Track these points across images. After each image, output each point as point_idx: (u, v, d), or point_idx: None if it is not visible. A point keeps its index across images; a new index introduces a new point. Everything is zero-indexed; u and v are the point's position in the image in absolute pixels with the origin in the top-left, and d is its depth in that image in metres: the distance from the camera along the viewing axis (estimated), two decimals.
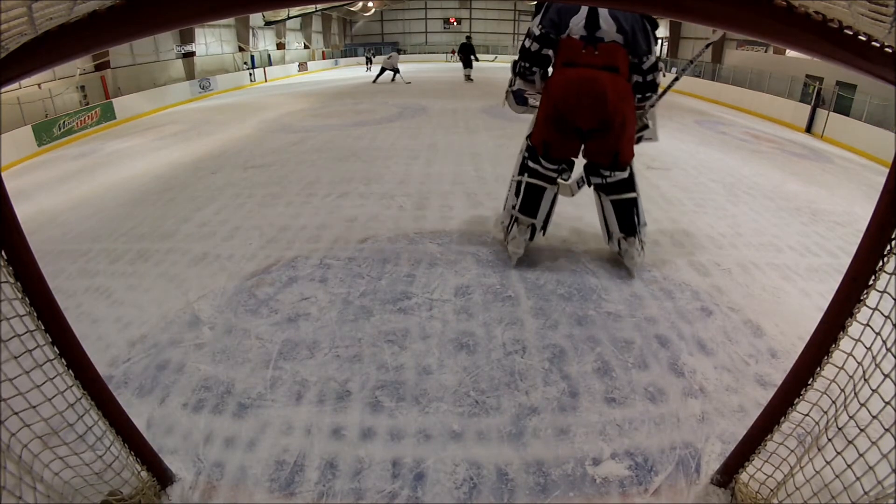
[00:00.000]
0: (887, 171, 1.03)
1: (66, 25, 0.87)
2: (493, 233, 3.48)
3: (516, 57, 2.88)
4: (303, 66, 22.44)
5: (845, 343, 1.15)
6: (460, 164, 5.42)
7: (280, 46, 22.54)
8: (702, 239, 3.47)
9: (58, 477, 1.30)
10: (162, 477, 1.57)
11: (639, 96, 2.73)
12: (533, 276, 2.90)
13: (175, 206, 4.54)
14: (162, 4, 0.89)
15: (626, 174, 2.78)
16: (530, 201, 2.90)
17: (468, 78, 15.04)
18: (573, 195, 2.94)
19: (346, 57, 27.12)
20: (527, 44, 2.77)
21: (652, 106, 2.82)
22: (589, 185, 2.88)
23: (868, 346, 1.09)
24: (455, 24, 31.75)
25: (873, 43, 0.84)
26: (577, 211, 3.96)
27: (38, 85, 10.35)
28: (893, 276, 1.03)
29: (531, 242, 3.04)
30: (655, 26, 2.65)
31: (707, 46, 2.79)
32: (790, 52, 11.26)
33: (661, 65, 2.70)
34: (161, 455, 1.59)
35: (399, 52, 17.37)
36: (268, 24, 21.19)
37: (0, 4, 0.69)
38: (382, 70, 15.64)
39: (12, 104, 9.17)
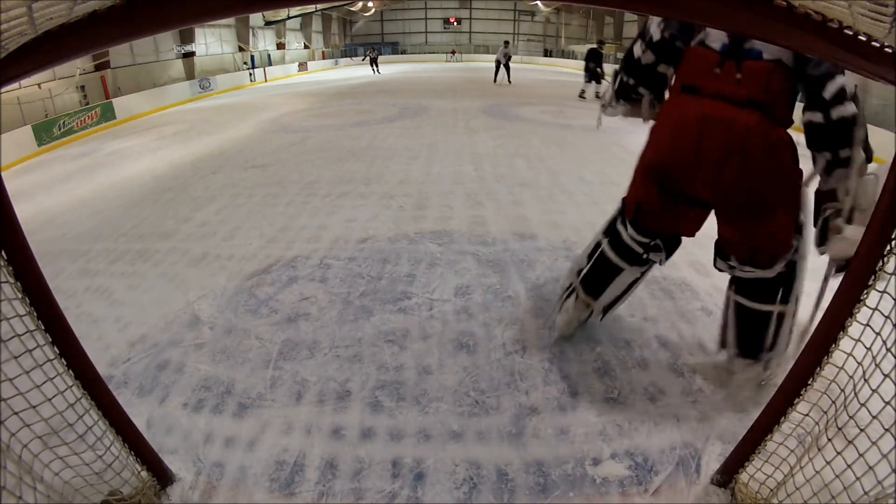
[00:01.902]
0: (887, 170, 1.03)
1: (66, 25, 0.87)
2: (579, 247, 2.71)
3: (618, 67, 1.96)
4: (303, 66, 22.45)
5: (845, 343, 1.15)
6: (460, 164, 5.42)
7: (280, 46, 22.56)
8: (702, 239, 3.45)
9: (58, 477, 1.30)
10: (162, 477, 1.57)
11: (824, 156, 1.55)
12: (533, 276, 2.90)
13: (175, 206, 4.54)
14: (162, 4, 0.89)
15: (769, 274, 1.72)
16: (598, 277, 2.07)
17: (585, 96, 10.78)
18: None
19: (346, 57, 27.12)
20: (636, 51, 1.81)
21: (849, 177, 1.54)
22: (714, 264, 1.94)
23: (868, 346, 1.09)
24: (455, 24, 31.76)
25: (873, 43, 0.84)
26: (578, 209, 3.96)
27: (38, 85, 10.36)
28: (893, 276, 1.03)
29: (582, 323, 2.28)
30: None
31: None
32: None
33: (859, 96, 1.47)
34: (161, 455, 1.59)
35: (506, 43, 14.24)
36: (268, 24, 21.20)
37: (0, 4, 0.69)
38: (498, 65, 14.13)
39: (12, 104, 9.18)
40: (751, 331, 1.85)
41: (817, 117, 1.51)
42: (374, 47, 22.41)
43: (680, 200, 1.81)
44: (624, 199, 2.01)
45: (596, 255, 2.08)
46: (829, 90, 1.45)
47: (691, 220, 1.89)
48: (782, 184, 1.61)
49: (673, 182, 1.75)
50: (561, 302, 2.26)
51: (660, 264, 2.04)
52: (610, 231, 2.05)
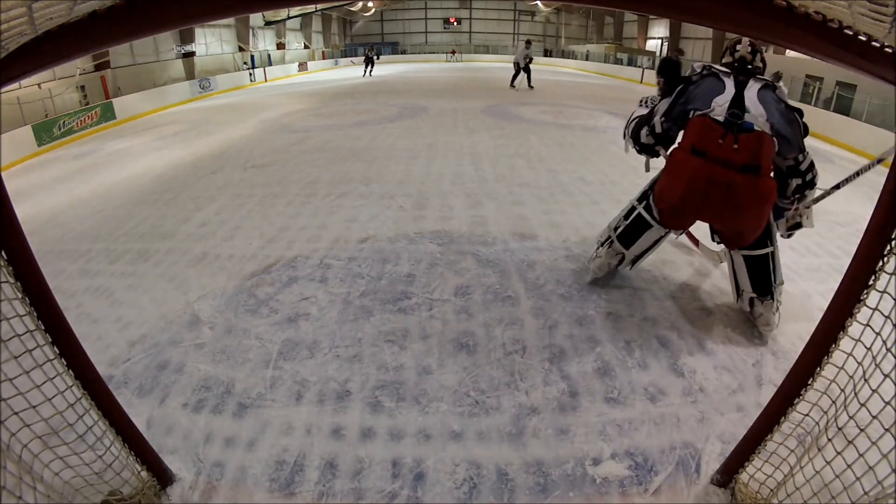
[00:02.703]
0: (887, 171, 1.03)
1: (66, 25, 0.87)
2: (579, 247, 3.17)
3: (632, 117, 2.58)
4: (303, 66, 22.45)
5: (845, 343, 1.15)
6: (460, 164, 5.42)
7: (280, 46, 22.57)
8: (702, 239, 3.46)
9: (58, 477, 1.30)
10: (162, 477, 1.57)
11: (794, 197, 2.29)
12: (533, 275, 2.90)
13: (175, 206, 4.54)
14: (162, 4, 0.89)
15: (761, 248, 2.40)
16: (632, 232, 2.59)
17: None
18: (721, 262, 2.73)
19: (346, 57, 27.12)
20: (643, 138, 2.45)
21: (806, 206, 2.33)
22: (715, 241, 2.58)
23: (868, 346, 1.09)
24: (455, 24, 31.77)
25: (873, 43, 0.84)
26: (578, 209, 3.96)
27: (38, 85, 10.37)
28: (893, 276, 1.03)
29: (612, 269, 2.80)
30: (805, 130, 2.18)
31: (878, 162, 2.15)
32: (790, 52, 11.26)
33: (813, 167, 2.22)
34: (161, 455, 1.59)
35: (528, 43, 13.15)
36: (268, 24, 21.21)
37: (0, 4, 0.69)
38: (517, 67, 13.01)
39: (12, 104, 9.18)
40: (760, 272, 2.38)
41: (798, 181, 2.22)
42: (372, 46, 21.02)
43: (684, 220, 2.47)
44: (653, 185, 2.52)
45: (633, 215, 2.59)
46: (804, 164, 2.18)
47: (721, 253, 2.58)
48: (767, 213, 2.24)
49: (683, 212, 2.33)
50: (596, 249, 2.81)
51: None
52: (645, 197, 2.56)
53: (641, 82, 16.58)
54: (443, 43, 30.89)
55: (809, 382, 1.24)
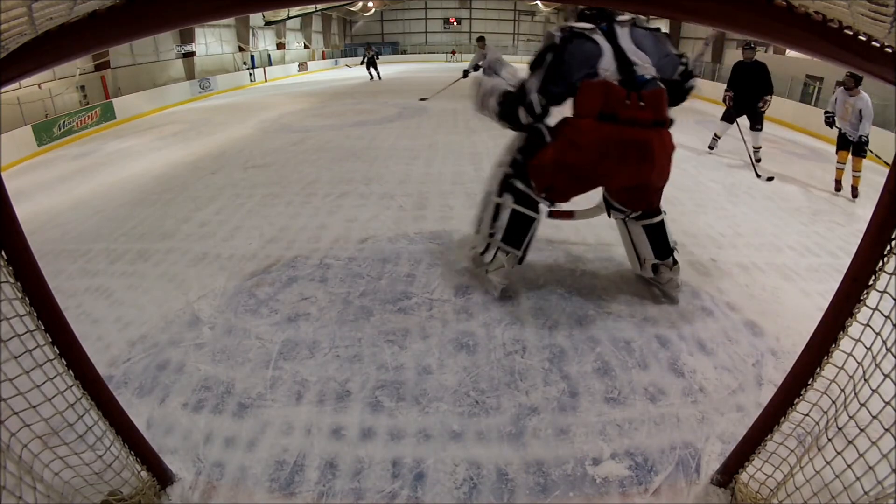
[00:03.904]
0: (887, 171, 1.03)
1: (66, 25, 0.87)
2: (460, 260, 3.02)
3: (486, 88, 2.39)
4: (303, 66, 22.45)
5: (845, 343, 1.15)
6: (460, 164, 5.42)
7: (280, 46, 22.56)
8: (702, 239, 3.47)
9: (58, 477, 1.30)
10: (162, 477, 1.57)
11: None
12: (533, 275, 2.90)
13: (175, 206, 4.54)
14: (162, 4, 0.89)
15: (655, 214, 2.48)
16: (516, 231, 2.47)
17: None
18: (603, 211, 2.62)
19: (345, 57, 27.11)
20: (521, 117, 2.26)
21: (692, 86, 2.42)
22: (608, 215, 2.59)
23: (868, 346, 1.09)
24: (455, 24, 31.75)
25: (873, 43, 0.84)
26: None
27: (38, 85, 10.36)
28: (893, 276, 1.03)
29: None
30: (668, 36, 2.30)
31: (707, 44, 2.64)
32: (790, 52, 11.26)
33: (687, 61, 2.36)
34: (161, 455, 1.59)
35: (481, 40, 12.41)
36: (268, 24, 21.19)
37: (0, 4, 0.69)
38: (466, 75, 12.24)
39: (12, 104, 9.18)
40: (658, 238, 2.53)
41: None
42: (371, 46, 18.68)
43: (587, 188, 2.41)
44: (519, 164, 2.40)
45: (507, 215, 2.46)
46: (686, 74, 2.32)
47: (586, 192, 2.44)
48: (669, 167, 2.29)
49: (591, 179, 2.33)
50: (485, 262, 2.67)
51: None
52: (509, 190, 2.44)
53: None
54: (443, 43, 30.86)
55: (809, 382, 1.24)
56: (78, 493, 1.36)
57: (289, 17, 22.01)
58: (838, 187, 5.02)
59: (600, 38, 2.11)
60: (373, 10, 28.71)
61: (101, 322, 2.64)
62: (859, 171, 4.89)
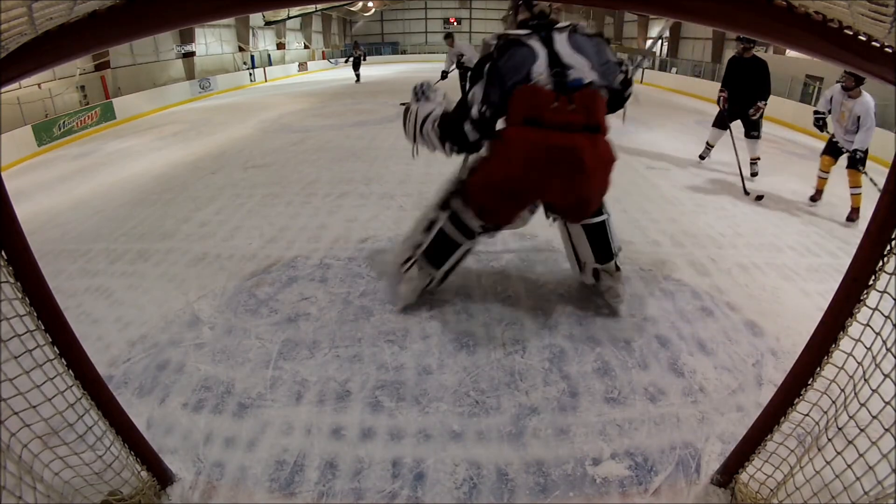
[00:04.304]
0: (887, 171, 1.03)
1: (66, 25, 0.87)
2: (380, 266, 2.98)
3: (420, 115, 2.30)
4: (303, 66, 22.45)
5: (845, 343, 1.15)
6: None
7: (280, 46, 22.56)
8: (702, 239, 3.47)
9: (58, 477, 1.30)
10: (162, 477, 1.57)
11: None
12: (533, 276, 2.90)
13: (175, 206, 4.54)
14: (162, 4, 0.89)
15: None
16: (440, 251, 2.36)
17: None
18: (531, 215, 2.36)
19: (342, 57, 27.09)
20: (469, 130, 2.10)
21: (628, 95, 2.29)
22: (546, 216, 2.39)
23: (868, 346, 1.09)
24: (455, 23, 31.76)
25: (873, 43, 0.84)
26: None
27: (38, 85, 10.37)
28: (893, 276, 1.03)
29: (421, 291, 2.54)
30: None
31: (658, 39, 2.54)
32: (790, 52, 11.25)
33: (627, 68, 2.24)
34: (161, 455, 1.59)
35: (449, 37, 11.82)
36: (268, 24, 21.19)
37: (0, 4, 0.69)
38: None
39: (12, 104, 9.18)
40: (599, 241, 2.37)
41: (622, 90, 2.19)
42: (358, 45, 16.73)
43: (521, 206, 2.21)
44: (462, 182, 2.27)
45: (435, 231, 2.34)
46: (624, 82, 2.17)
47: (524, 214, 2.27)
48: (608, 179, 2.14)
49: (522, 195, 2.14)
50: (401, 274, 2.52)
51: (490, 237, 2.47)
52: (447, 207, 2.31)
53: (641, 82, 16.57)
54: (443, 43, 30.89)
55: (809, 382, 1.24)
56: (78, 493, 1.36)
57: (289, 17, 22.01)
58: (816, 197, 4.34)
59: (536, 43, 1.99)
60: (373, 10, 28.70)
61: (101, 322, 2.64)
62: (858, 188, 3.93)
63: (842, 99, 3.98)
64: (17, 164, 8.10)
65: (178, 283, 2.99)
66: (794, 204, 4.37)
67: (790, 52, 11.22)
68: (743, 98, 4.98)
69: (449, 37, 8.62)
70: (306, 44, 25.16)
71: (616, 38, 25.85)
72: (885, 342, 1.03)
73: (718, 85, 5.30)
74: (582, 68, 1.95)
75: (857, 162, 3.90)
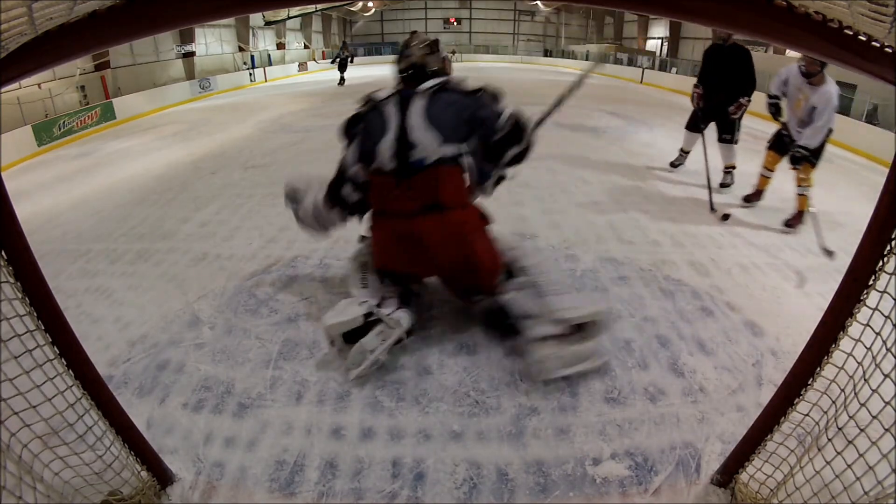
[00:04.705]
0: (887, 171, 1.03)
1: (66, 25, 0.87)
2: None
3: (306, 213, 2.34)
4: (303, 66, 22.44)
5: (845, 343, 1.15)
6: None
7: (280, 46, 22.57)
8: (702, 239, 3.47)
9: (58, 477, 1.30)
10: (162, 477, 1.57)
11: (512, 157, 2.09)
12: None
13: (175, 206, 4.54)
14: (162, 4, 0.89)
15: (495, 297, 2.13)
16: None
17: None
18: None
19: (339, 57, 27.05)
20: (348, 191, 2.15)
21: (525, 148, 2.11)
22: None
23: (868, 346, 1.09)
24: (455, 24, 31.77)
25: (873, 43, 0.84)
26: (578, 209, 3.96)
27: (38, 85, 10.38)
28: (893, 276, 1.03)
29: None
30: (495, 97, 2.02)
31: (584, 75, 2.21)
32: (790, 52, 11.25)
33: (517, 117, 2.04)
34: (161, 455, 1.59)
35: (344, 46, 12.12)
36: (268, 24, 21.21)
37: (0, 4, 0.69)
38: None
39: (12, 104, 9.19)
40: (501, 322, 2.16)
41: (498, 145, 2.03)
42: (346, 45, 15.32)
43: (410, 275, 2.23)
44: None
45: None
46: (500, 133, 1.98)
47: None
48: (475, 247, 2.00)
49: (402, 275, 2.17)
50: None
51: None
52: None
53: (641, 82, 16.58)
54: (443, 43, 30.84)
55: (809, 382, 1.24)
56: (78, 493, 1.36)
57: (289, 17, 22.02)
58: (752, 197, 3.95)
59: (392, 110, 1.92)
60: (373, 10, 28.71)
61: (101, 322, 2.64)
62: (805, 187, 3.41)
63: (800, 84, 3.42)
64: (17, 164, 8.10)
65: (178, 283, 2.99)
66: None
67: (790, 52, 11.21)
68: (722, 94, 4.25)
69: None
70: (306, 44, 25.16)
71: (616, 38, 25.87)
72: (885, 342, 1.03)
73: None
74: (428, 146, 1.87)
75: (797, 160, 3.43)
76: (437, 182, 1.90)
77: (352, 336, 2.01)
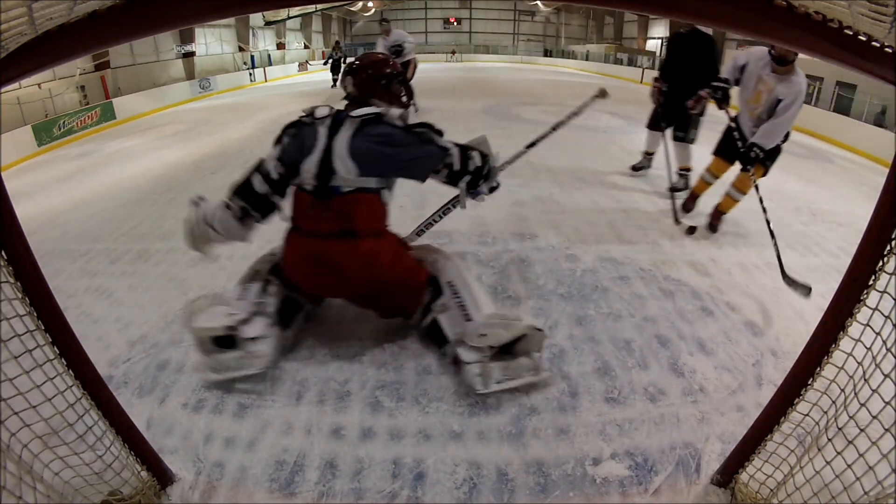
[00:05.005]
0: (887, 171, 1.03)
1: (66, 25, 0.87)
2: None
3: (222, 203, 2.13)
4: (303, 66, 22.45)
5: (845, 343, 1.15)
6: None
7: (280, 46, 22.57)
8: (702, 239, 3.47)
9: (58, 477, 1.30)
10: (162, 477, 1.57)
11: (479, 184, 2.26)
12: (533, 275, 2.90)
13: (175, 206, 4.54)
14: (162, 4, 0.89)
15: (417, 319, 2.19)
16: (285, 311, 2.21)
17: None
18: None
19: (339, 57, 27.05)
20: (255, 183, 2.03)
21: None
22: None
23: (868, 346, 1.09)
24: (455, 24, 31.78)
25: (873, 43, 0.84)
26: (578, 209, 3.96)
27: (38, 85, 10.38)
28: (893, 276, 1.03)
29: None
30: (439, 133, 2.08)
31: (585, 104, 2.24)
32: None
33: (472, 154, 2.21)
34: (161, 455, 1.59)
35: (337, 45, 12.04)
36: (268, 24, 21.22)
37: (0, 4, 0.69)
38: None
39: (12, 104, 9.19)
40: (438, 337, 2.12)
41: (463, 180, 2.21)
42: (339, 45, 14.31)
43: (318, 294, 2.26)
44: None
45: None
46: (455, 166, 2.17)
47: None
48: (393, 271, 2.03)
49: (312, 291, 2.18)
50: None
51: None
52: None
53: (641, 82, 16.58)
54: (443, 43, 30.87)
55: (809, 382, 1.24)
56: (78, 493, 1.36)
57: (289, 17, 22.02)
58: (689, 205, 3.64)
59: (323, 132, 1.92)
60: (373, 10, 28.72)
61: (101, 322, 2.64)
62: (741, 192, 3.15)
63: (760, 72, 2.94)
64: (17, 164, 8.11)
65: (178, 283, 2.99)
66: (795, 204, 4.37)
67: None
68: (682, 87, 3.76)
69: (385, 22, 7.94)
70: (306, 44, 25.17)
71: (616, 38, 25.89)
72: (885, 342, 1.03)
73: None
74: (347, 175, 1.87)
75: (751, 161, 3.02)
76: (353, 208, 1.90)
77: (221, 341, 2.01)
